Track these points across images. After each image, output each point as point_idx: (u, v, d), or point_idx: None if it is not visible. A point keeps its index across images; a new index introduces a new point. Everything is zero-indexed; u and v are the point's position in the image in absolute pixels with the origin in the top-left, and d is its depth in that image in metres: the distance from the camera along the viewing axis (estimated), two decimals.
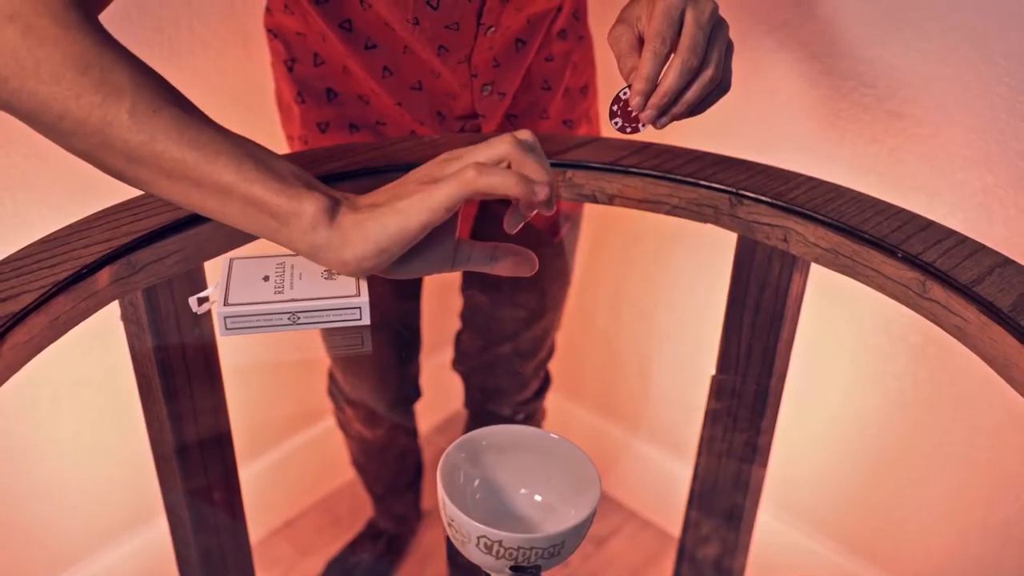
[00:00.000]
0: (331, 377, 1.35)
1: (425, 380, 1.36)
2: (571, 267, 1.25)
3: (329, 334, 1.04)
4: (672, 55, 0.69)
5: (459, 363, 1.34)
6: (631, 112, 0.71)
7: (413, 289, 1.22)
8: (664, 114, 0.71)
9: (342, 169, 0.79)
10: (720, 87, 0.72)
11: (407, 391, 1.36)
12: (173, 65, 1.21)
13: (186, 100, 0.61)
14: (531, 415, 1.40)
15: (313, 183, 0.61)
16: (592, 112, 1.14)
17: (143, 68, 0.60)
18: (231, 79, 1.28)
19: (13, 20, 0.57)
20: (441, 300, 1.40)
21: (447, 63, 0.94)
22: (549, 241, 1.15)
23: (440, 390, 1.47)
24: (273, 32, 1.01)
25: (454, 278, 1.28)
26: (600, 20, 1.10)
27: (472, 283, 1.26)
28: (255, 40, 1.28)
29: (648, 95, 0.70)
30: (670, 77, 0.68)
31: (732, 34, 0.73)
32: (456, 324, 1.31)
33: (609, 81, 1.14)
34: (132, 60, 0.60)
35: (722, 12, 0.71)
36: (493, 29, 0.92)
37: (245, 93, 1.27)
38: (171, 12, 1.18)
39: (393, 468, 1.49)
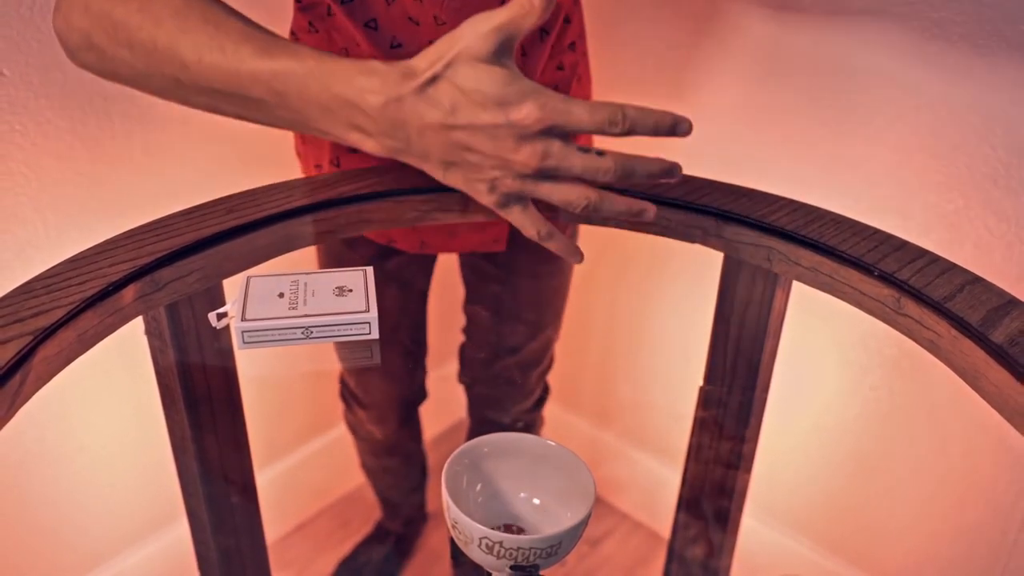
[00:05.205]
0: (343, 381, 1.34)
1: (431, 391, 1.36)
2: (569, 284, 1.24)
3: (341, 346, 1.04)
4: None
5: (464, 375, 1.34)
6: None
7: (419, 303, 1.21)
8: None
9: (352, 193, 0.79)
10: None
11: (414, 392, 1.35)
12: None
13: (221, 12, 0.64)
14: (530, 424, 1.39)
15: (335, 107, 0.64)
16: None
17: None
18: None
19: None
20: (445, 315, 1.39)
21: None
22: (552, 258, 1.14)
23: (444, 400, 1.46)
24: None
25: (457, 296, 1.28)
26: (596, 37, 1.10)
27: (474, 300, 1.25)
28: None
29: None
30: None
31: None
32: (459, 338, 1.31)
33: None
34: None
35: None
36: None
37: None
38: None
39: (400, 470, 1.48)
